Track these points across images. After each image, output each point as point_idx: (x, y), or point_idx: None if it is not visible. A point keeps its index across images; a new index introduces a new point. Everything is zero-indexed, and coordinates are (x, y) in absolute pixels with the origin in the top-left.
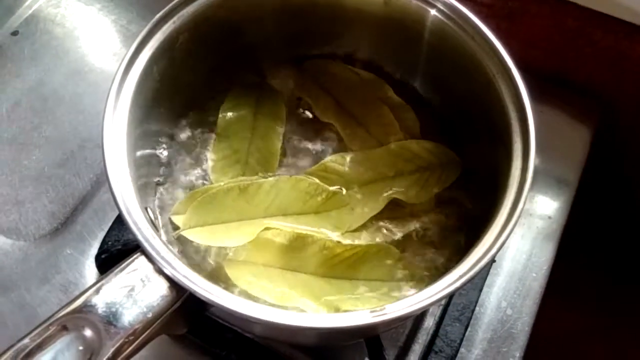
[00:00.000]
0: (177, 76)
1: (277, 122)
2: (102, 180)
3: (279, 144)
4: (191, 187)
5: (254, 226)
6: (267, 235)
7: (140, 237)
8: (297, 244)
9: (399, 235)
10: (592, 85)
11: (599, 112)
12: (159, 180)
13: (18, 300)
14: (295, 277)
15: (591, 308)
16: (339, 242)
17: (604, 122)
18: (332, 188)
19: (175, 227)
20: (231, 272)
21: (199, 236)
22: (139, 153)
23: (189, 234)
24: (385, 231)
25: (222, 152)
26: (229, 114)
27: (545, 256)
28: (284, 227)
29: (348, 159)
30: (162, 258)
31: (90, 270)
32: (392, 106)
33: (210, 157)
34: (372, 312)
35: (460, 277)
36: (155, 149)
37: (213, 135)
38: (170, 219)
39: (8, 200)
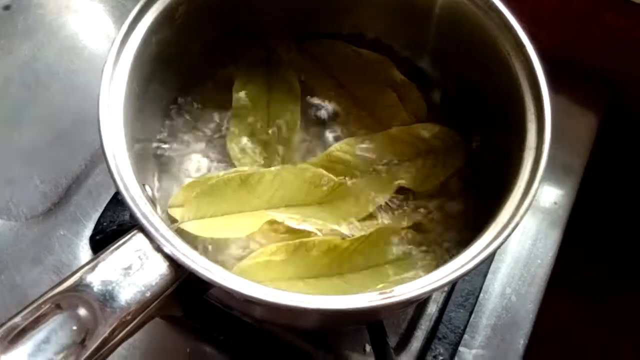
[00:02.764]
0: (178, 48)
1: (292, 96)
2: (96, 160)
3: (297, 119)
4: (192, 168)
5: (255, 217)
6: (267, 253)
7: (138, 214)
8: (300, 252)
9: (405, 222)
10: (601, 69)
11: (607, 96)
12: (157, 154)
13: (8, 282)
14: (305, 283)
15: (593, 298)
16: (339, 236)
17: (611, 107)
18: (337, 178)
19: (173, 220)
20: None
21: (198, 229)
22: (136, 127)
23: (187, 226)
24: (390, 219)
25: (242, 132)
26: (242, 93)
27: (550, 243)
28: (287, 219)
29: (353, 147)
30: (162, 235)
31: (84, 252)
32: (397, 86)
33: (229, 139)
34: (380, 293)
35: (476, 256)
36: (154, 124)
37: (215, 111)
38: (167, 211)
39: None
